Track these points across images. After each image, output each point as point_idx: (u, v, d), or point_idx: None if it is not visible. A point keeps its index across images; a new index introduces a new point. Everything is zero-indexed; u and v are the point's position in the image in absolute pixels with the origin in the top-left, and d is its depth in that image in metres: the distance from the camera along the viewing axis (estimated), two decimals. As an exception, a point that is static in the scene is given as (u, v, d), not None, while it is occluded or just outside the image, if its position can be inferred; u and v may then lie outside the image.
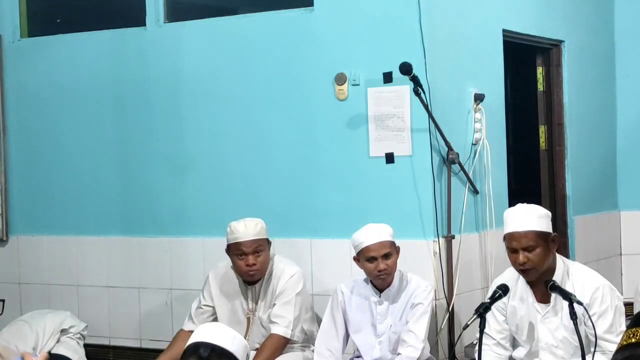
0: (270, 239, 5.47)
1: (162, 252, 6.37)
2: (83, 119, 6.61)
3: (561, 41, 6.92)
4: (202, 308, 5.55)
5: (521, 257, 4.50)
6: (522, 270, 4.56)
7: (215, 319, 5.51)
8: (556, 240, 4.61)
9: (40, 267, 6.75)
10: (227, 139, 6.14)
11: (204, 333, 3.47)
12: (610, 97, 7.49)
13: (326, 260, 5.85)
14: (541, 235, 4.52)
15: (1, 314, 3.46)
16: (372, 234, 5.10)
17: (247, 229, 5.33)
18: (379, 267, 5.07)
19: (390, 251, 5.09)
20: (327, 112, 5.82)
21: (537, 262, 4.51)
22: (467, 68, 5.94)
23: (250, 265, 5.31)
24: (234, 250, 5.34)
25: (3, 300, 3.31)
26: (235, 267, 5.41)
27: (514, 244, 4.52)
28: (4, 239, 6.89)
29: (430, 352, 5.31)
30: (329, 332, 5.27)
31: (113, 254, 6.52)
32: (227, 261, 5.50)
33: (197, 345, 3.38)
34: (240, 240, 5.31)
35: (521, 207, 4.64)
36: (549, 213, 4.68)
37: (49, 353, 5.68)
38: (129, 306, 6.48)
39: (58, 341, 5.78)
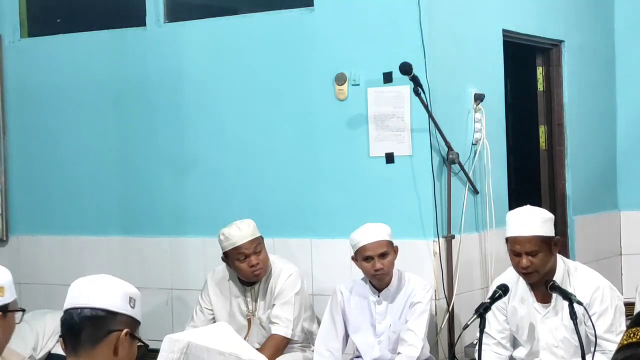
0: (268, 239, 5.47)
1: (162, 252, 6.36)
2: (83, 119, 6.61)
3: (561, 41, 6.91)
4: (202, 311, 5.56)
5: (524, 261, 4.49)
6: (525, 274, 4.56)
7: (215, 321, 5.54)
8: (558, 244, 4.62)
9: (40, 267, 6.74)
10: (227, 139, 6.14)
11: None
12: (610, 97, 7.49)
13: (326, 260, 5.85)
14: (545, 240, 4.51)
15: (19, 322, 3.38)
16: (369, 233, 5.11)
17: (242, 232, 5.33)
18: (375, 267, 5.07)
19: (387, 250, 5.10)
20: (327, 112, 5.82)
21: (540, 265, 4.51)
22: (467, 68, 5.94)
23: (254, 266, 5.31)
24: (235, 255, 5.33)
25: (23, 310, 3.21)
26: (239, 271, 5.40)
27: (518, 247, 4.52)
28: (4, 239, 6.89)
29: (430, 352, 5.31)
30: (329, 333, 5.28)
31: (113, 254, 6.51)
32: (225, 264, 5.50)
33: None
34: (239, 243, 5.31)
35: (526, 211, 4.62)
36: (552, 216, 4.68)
37: (49, 353, 5.70)
38: (129, 306, 6.47)
39: (58, 341, 5.77)
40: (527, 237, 4.50)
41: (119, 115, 6.51)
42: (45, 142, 6.75)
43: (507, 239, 4.60)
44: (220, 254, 5.44)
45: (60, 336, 2.92)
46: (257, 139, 6.05)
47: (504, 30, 6.25)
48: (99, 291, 2.86)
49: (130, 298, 2.90)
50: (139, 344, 2.93)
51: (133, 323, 2.91)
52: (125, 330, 2.85)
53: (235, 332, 2.86)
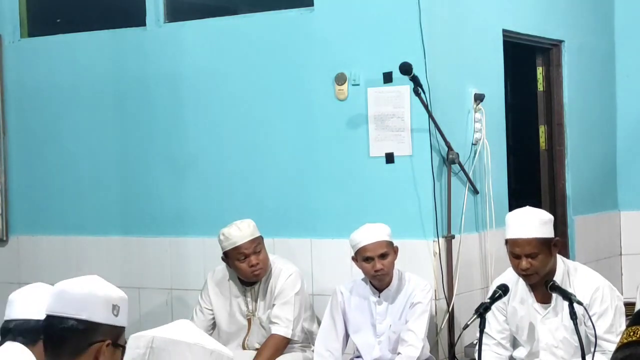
0: (268, 239, 5.47)
1: (162, 252, 6.36)
2: (83, 119, 6.61)
3: (561, 41, 6.91)
4: (202, 311, 5.56)
5: (524, 263, 4.49)
6: (524, 275, 4.56)
7: (215, 321, 5.55)
8: (558, 245, 4.61)
9: (40, 267, 6.74)
10: (227, 139, 6.14)
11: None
12: (610, 97, 7.49)
13: (326, 260, 5.85)
14: (544, 242, 4.51)
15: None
16: (369, 234, 5.11)
17: (242, 231, 5.33)
18: (375, 267, 5.07)
19: (387, 251, 5.10)
20: (327, 112, 5.82)
21: (540, 267, 4.50)
22: (467, 68, 5.94)
23: (254, 266, 5.32)
24: (235, 255, 5.33)
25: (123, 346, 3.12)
26: (239, 271, 5.40)
27: (517, 250, 4.51)
28: (4, 239, 6.89)
29: (430, 352, 5.31)
30: (329, 333, 5.28)
31: (113, 254, 6.51)
32: (225, 264, 5.50)
33: None
34: (239, 243, 5.31)
35: (524, 213, 4.61)
36: (552, 217, 4.68)
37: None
38: (129, 306, 6.46)
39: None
40: (527, 239, 4.49)
41: (118, 115, 6.51)
42: (45, 142, 6.75)
43: (506, 241, 4.60)
44: (220, 254, 5.44)
45: (40, 339, 2.91)
46: (257, 139, 6.05)
47: (504, 30, 6.25)
48: (81, 300, 2.83)
49: (114, 306, 2.87)
50: (123, 346, 2.89)
51: (116, 330, 2.88)
52: (107, 342, 2.83)
53: (196, 327, 2.87)
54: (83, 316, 2.81)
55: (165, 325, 2.78)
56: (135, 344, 2.69)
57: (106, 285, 2.91)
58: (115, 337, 2.86)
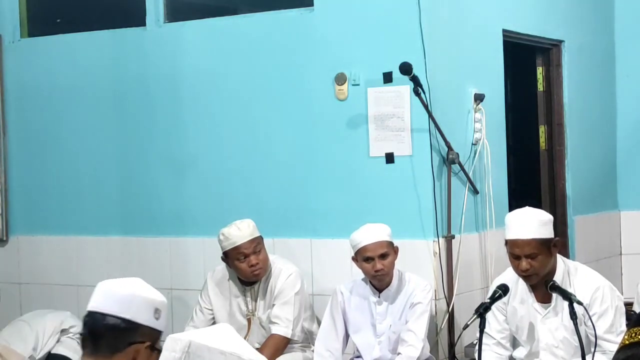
0: (268, 239, 5.48)
1: (162, 252, 6.36)
2: (83, 119, 6.61)
3: (561, 41, 6.92)
4: (202, 311, 5.56)
5: (524, 264, 4.49)
6: (524, 276, 4.56)
7: (215, 321, 5.55)
8: (558, 245, 4.61)
9: (40, 267, 6.74)
10: (227, 139, 6.15)
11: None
12: (610, 97, 7.49)
13: (326, 260, 5.85)
14: (544, 243, 4.51)
15: None
16: (370, 234, 5.11)
17: (242, 231, 5.33)
18: (375, 267, 5.08)
19: (388, 251, 5.10)
20: (327, 112, 5.82)
21: (540, 268, 4.50)
22: (467, 68, 5.94)
23: (254, 265, 5.32)
24: (234, 255, 5.34)
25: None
26: (238, 271, 5.40)
27: (517, 250, 4.51)
28: (4, 239, 6.89)
29: (430, 352, 5.32)
30: (329, 333, 5.28)
31: (113, 254, 6.51)
32: (225, 264, 5.50)
33: None
34: (239, 243, 5.32)
35: (524, 213, 4.61)
36: (551, 218, 4.67)
37: (49, 353, 5.70)
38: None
39: (58, 341, 5.77)
40: (526, 240, 4.49)
41: (118, 116, 6.51)
42: (45, 142, 6.75)
43: (506, 242, 4.60)
44: (220, 254, 5.45)
45: (80, 334, 2.94)
46: (257, 139, 6.05)
47: (504, 30, 6.25)
48: (126, 300, 2.88)
49: (156, 309, 2.91)
50: (159, 350, 2.93)
51: (155, 334, 2.91)
52: (146, 344, 2.85)
53: (236, 333, 2.87)
54: (127, 316, 2.86)
55: (206, 329, 2.82)
56: (171, 346, 2.73)
57: (150, 288, 2.97)
58: (153, 339, 2.90)
